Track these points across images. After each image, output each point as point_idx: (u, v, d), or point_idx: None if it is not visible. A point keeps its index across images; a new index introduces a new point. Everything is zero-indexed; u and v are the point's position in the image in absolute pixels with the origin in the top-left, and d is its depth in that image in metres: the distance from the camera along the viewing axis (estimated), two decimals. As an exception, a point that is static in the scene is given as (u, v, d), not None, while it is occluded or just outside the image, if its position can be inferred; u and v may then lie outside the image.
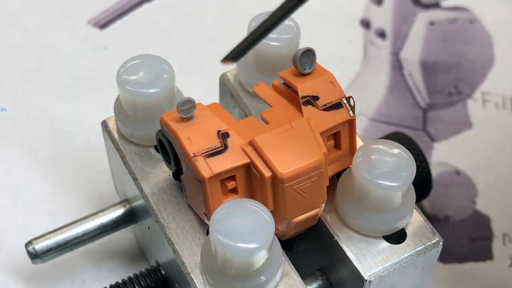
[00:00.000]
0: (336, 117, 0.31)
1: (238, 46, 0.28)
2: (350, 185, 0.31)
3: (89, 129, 0.46)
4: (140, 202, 0.34)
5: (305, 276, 0.33)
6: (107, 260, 0.40)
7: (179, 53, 0.51)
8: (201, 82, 0.47)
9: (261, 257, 0.28)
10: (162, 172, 0.34)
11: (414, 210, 0.32)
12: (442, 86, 0.50)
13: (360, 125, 0.47)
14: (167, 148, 0.31)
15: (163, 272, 0.36)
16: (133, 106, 0.33)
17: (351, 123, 0.32)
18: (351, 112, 0.31)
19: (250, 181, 0.30)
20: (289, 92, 0.32)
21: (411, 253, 0.31)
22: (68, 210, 0.42)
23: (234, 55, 0.28)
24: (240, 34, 0.42)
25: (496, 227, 0.43)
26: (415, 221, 0.32)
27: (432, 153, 0.46)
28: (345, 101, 0.32)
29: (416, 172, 0.30)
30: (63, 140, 0.46)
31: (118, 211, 0.37)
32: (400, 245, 0.31)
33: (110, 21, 0.52)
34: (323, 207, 0.31)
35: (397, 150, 0.31)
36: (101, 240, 0.38)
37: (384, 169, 0.30)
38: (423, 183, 0.40)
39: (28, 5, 0.53)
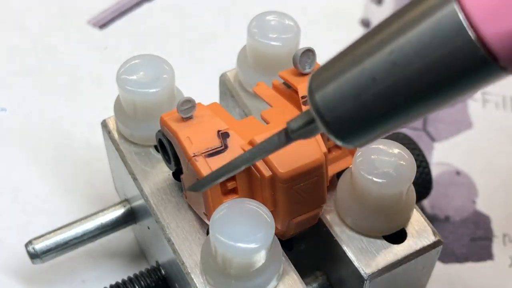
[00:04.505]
0: (336, 117, 0.31)
1: (204, 179, 0.28)
2: (350, 185, 0.31)
3: (89, 129, 0.46)
4: (140, 202, 0.34)
5: (305, 276, 0.33)
6: (107, 260, 0.40)
7: (179, 53, 0.51)
8: (201, 82, 0.47)
9: (261, 257, 0.28)
10: (162, 172, 0.34)
11: (414, 210, 0.32)
12: (442, 86, 0.50)
13: (360, 125, 0.47)
14: (167, 148, 0.31)
15: (163, 272, 0.36)
16: (133, 106, 0.33)
17: (351, 123, 0.32)
18: (351, 112, 0.31)
19: (250, 181, 0.30)
20: (289, 92, 0.32)
21: (411, 253, 0.31)
22: (68, 210, 0.42)
23: (198, 187, 0.28)
24: (240, 34, 0.42)
25: (496, 227, 0.43)
26: (415, 221, 0.32)
27: (432, 153, 0.46)
28: (345, 101, 0.32)
29: (416, 172, 0.30)
30: (63, 140, 0.46)
31: (118, 211, 0.37)
32: (400, 245, 0.31)
33: (110, 21, 0.52)
34: (323, 207, 0.31)
35: (397, 150, 0.31)
36: (101, 240, 0.38)
37: (384, 169, 0.30)
38: (423, 183, 0.40)
39: (28, 5, 0.53)
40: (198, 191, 0.29)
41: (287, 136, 0.25)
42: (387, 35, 0.21)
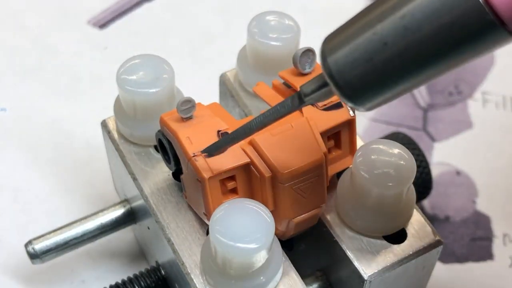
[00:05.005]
0: (336, 117, 0.31)
1: (220, 141, 0.29)
2: (350, 185, 0.31)
3: (89, 129, 0.46)
4: (140, 202, 0.34)
5: (305, 276, 0.33)
6: (107, 260, 0.40)
7: (179, 53, 0.51)
8: (201, 82, 0.47)
9: (261, 257, 0.28)
10: (162, 172, 0.34)
11: (414, 210, 0.32)
12: (443, 86, 0.50)
13: (360, 125, 0.47)
14: (167, 148, 0.31)
15: (163, 272, 0.36)
16: (133, 106, 0.33)
17: (351, 123, 0.32)
18: (351, 112, 0.31)
19: (250, 181, 0.30)
20: (289, 92, 0.32)
21: (411, 253, 0.31)
22: (68, 210, 0.42)
23: (212, 150, 0.29)
24: (240, 34, 0.42)
25: (496, 227, 0.43)
26: (415, 221, 0.32)
27: (432, 153, 0.46)
28: (345, 101, 0.32)
29: (416, 172, 0.30)
30: (63, 140, 0.46)
31: (118, 211, 0.37)
32: (400, 245, 0.31)
33: (110, 21, 0.52)
34: (323, 207, 0.31)
35: (397, 150, 0.31)
36: (101, 240, 0.38)
37: (384, 169, 0.30)
38: (423, 183, 0.40)
39: (28, 5, 0.53)
40: (214, 154, 0.29)
41: (300, 100, 0.26)
42: (398, 1, 0.22)
